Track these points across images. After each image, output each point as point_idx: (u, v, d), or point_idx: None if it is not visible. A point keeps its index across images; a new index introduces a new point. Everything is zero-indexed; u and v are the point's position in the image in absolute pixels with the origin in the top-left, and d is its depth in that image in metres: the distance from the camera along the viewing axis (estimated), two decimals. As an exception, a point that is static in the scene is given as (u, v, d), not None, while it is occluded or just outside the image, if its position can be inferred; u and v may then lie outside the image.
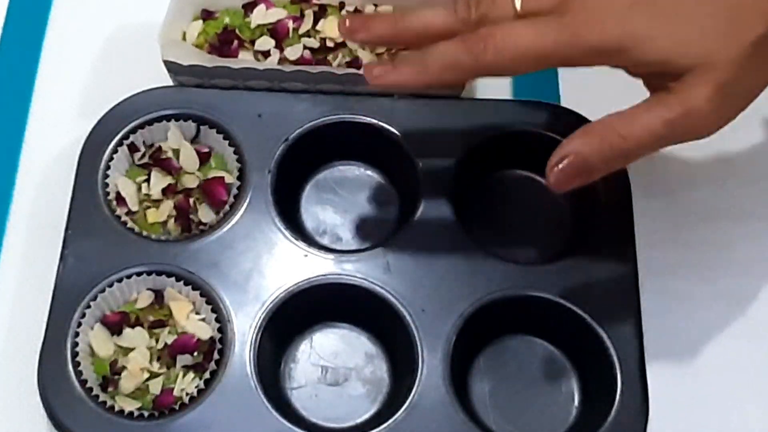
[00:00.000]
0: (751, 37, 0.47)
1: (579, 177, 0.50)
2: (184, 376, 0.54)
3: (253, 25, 0.63)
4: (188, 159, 0.59)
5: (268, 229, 0.58)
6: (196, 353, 0.55)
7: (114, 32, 0.68)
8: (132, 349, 0.55)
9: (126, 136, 0.60)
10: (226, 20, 0.63)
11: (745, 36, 0.47)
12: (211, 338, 0.55)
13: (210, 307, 0.56)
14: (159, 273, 0.56)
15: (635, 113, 0.49)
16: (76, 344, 0.54)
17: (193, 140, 0.61)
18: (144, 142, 0.60)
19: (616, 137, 0.48)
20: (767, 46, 0.48)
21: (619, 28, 0.48)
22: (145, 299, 0.56)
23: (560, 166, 0.49)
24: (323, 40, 0.63)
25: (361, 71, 0.60)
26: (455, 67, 0.50)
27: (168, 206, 0.58)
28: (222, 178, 0.59)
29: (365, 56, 0.62)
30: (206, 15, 0.63)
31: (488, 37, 0.49)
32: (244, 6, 0.63)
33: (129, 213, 0.59)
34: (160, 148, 0.60)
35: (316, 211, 0.62)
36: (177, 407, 0.53)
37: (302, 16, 0.63)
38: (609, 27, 0.48)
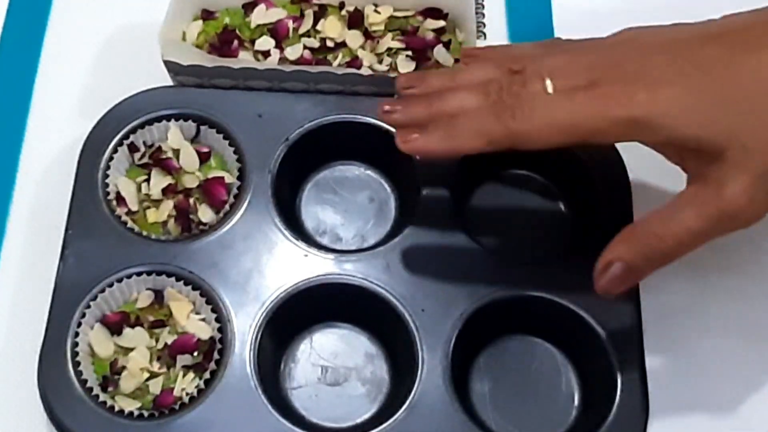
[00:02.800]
0: None
1: (626, 281, 0.50)
2: (184, 376, 0.54)
3: (253, 25, 0.63)
4: (188, 159, 0.59)
5: (268, 229, 0.58)
6: (196, 353, 0.55)
7: (114, 32, 0.68)
8: (132, 349, 0.55)
9: (126, 136, 0.60)
10: (226, 20, 0.63)
11: None
12: (211, 338, 0.55)
13: (210, 307, 0.56)
14: (159, 273, 0.56)
15: (672, 211, 0.48)
16: (76, 344, 0.54)
17: (193, 140, 0.61)
18: (144, 142, 0.60)
19: (654, 239, 0.48)
20: None
21: (650, 102, 0.47)
22: (145, 299, 0.56)
23: (607, 274, 0.49)
24: (323, 40, 0.63)
25: (361, 71, 0.60)
26: (485, 136, 0.49)
27: (168, 206, 0.58)
28: (222, 178, 0.59)
29: (365, 56, 0.62)
30: (206, 15, 0.63)
31: (516, 106, 0.48)
32: (244, 6, 0.63)
33: (129, 213, 0.59)
34: (160, 148, 0.60)
35: (316, 211, 0.62)
36: (177, 407, 0.53)
37: (302, 16, 0.63)
38: (639, 99, 0.47)
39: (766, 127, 0.46)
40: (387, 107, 0.53)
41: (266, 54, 0.62)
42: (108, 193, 0.58)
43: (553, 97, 0.48)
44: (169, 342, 0.55)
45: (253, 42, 0.62)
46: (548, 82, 0.48)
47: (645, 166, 0.62)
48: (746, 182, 0.46)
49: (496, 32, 0.68)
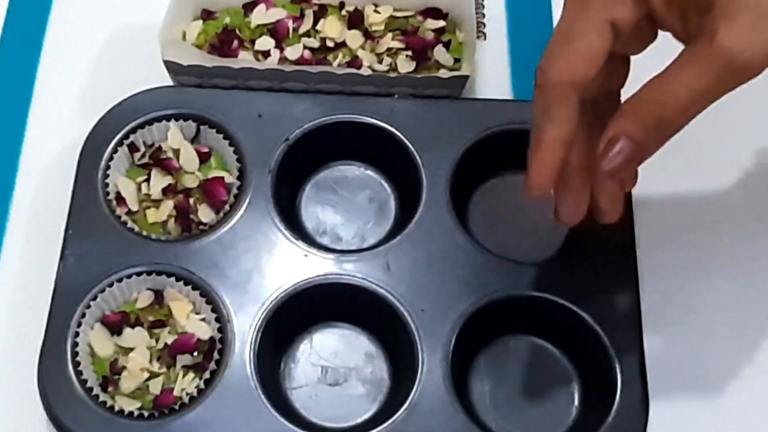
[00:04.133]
0: None
1: (633, 159, 0.46)
2: (184, 376, 0.54)
3: (253, 25, 0.63)
4: (188, 159, 0.59)
5: (268, 229, 0.58)
6: (196, 353, 0.55)
7: (114, 32, 0.68)
8: (132, 349, 0.55)
9: (126, 136, 0.60)
10: (226, 20, 0.63)
11: None
12: (211, 338, 0.55)
13: (210, 307, 0.56)
14: (159, 273, 0.56)
15: (670, 74, 0.44)
16: (76, 344, 0.54)
17: (193, 140, 0.61)
18: (144, 142, 0.60)
19: (655, 106, 0.45)
20: None
21: None
22: (145, 299, 0.56)
23: (611, 153, 0.46)
24: (323, 40, 0.63)
25: (361, 71, 0.60)
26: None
27: (168, 206, 0.58)
28: (222, 178, 0.59)
29: (365, 56, 0.62)
30: (206, 15, 0.63)
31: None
32: (244, 6, 0.63)
33: (129, 213, 0.59)
34: (160, 148, 0.60)
35: (316, 211, 0.62)
36: (177, 407, 0.53)
37: (302, 16, 0.63)
38: None
39: None
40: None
41: (266, 54, 0.62)
42: (108, 193, 0.58)
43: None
44: (169, 342, 0.55)
45: (253, 42, 0.62)
46: None
47: (645, 166, 0.62)
48: (742, 24, 0.42)
49: (496, 32, 0.68)
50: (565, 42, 0.48)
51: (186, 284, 0.56)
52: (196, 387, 0.54)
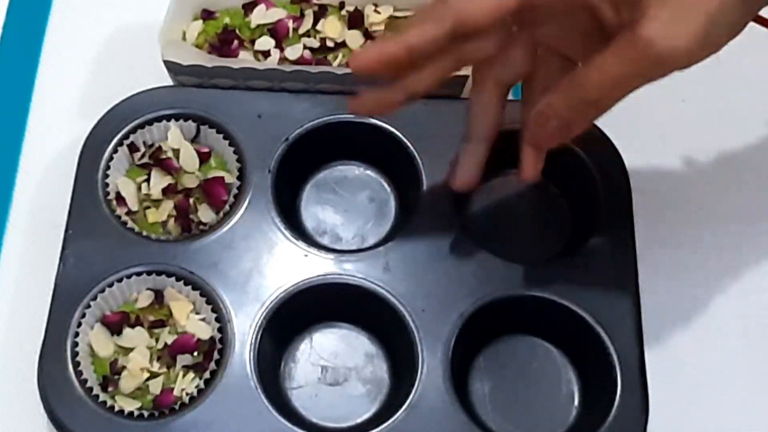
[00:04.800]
0: None
1: (559, 133, 0.50)
2: (184, 376, 0.54)
3: (253, 25, 0.63)
4: (188, 159, 0.59)
5: (268, 229, 0.58)
6: (196, 353, 0.55)
7: (114, 32, 0.68)
8: (132, 349, 0.55)
9: (126, 136, 0.60)
10: (226, 20, 0.63)
11: None
12: (211, 338, 0.55)
13: (210, 307, 0.56)
14: (159, 273, 0.56)
15: (595, 60, 0.46)
16: (76, 344, 0.54)
17: (193, 140, 0.61)
18: (144, 142, 0.60)
19: (579, 89, 0.47)
20: None
21: None
22: (145, 299, 0.56)
23: (538, 125, 0.50)
24: (323, 40, 0.63)
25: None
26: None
27: (168, 206, 0.58)
28: (222, 178, 0.59)
29: (365, 56, 0.62)
30: (206, 15, 0.63)
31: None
32: (244, 6, 0.63)
33: (129, 213, 0.59)
34: (160, 148, 0.60)
35: (316, 211, 0.62)
36: (177, 407, 0.53)
37: (302, 16, 0.63)
38: None
39: None
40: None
41: (266, 54, 0.62)
42: (108, 193, 0.58)
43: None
44: (169, 342, 0.55)
45: (253, 42, 0.62)
46: None
47: (645, 166, 0.62)
48: (664, 16, 0.44)
49: (496, 32, 0.68)
50: None
51: (186, 284, 0.56)
52: (196, 387, 0.54)
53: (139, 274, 0.56)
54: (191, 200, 0.59)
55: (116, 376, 0.54)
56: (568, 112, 0.49)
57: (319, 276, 0.56)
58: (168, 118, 0.60)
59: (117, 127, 0.60)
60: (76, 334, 0.54)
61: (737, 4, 0.45)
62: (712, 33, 0.45)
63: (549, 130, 0.50)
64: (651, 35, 0.44)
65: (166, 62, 0.61)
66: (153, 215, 0.58)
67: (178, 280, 0.56)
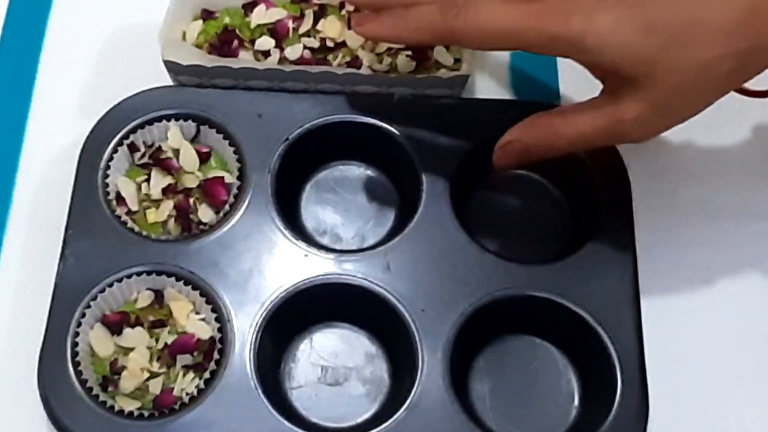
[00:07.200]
0: (696, 62, 0.49)
1: (519, 159, 0.57)
2: (184, 376, 0.54)
3: (253, 25, 0.63)
4: (188, 159, 0.59)
5: (268, 229, 0.58)
6: (196, 353, 0.55)
7: (114, 32, 0.68)
8: (132, 349, 0.55)
9: (126, 136, 0.60)
10: (226, 20, 0.63)
11: (691, 59, 0.49)
12: (211, 338, 0.55)
13: (210, 307, 0.56)
14: (159, 273, 0.56)
15: (574, 114, 0.54)
16: (76, 344, 0.54)
17: (193, 140, 0.61)
18: (144, 142, 0.60)
19: (551, 134, 0.55)
20: (710, 72, 0.49)
21: (583, 24, 0.50)
22: (145, 299, 0.56)
23: (504, 150, 0.57)
24: (323, 40, 0.63)
25: (361, 71, 0.60)
26: (429, 29, 0.53)
27: (168, 206, 0.59)
28: (222, 178, 0.59)
29: (365, 56, 0.62)
30: (206, 15, 0.63)
31: (463, 5, 0.52)
32: (244, 6, 0.63)
33: (129, 213, 0.59)
34: (160, 147, 0.60)
35: (316, 211, 0.62)
36: (177, 407, 0.53)
37: (302, 16, 0.63)
38: (574, 21, 0.50)
39: (677, 63, 0.49)
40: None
41: (266, 54, 0.62)
42: (108, 193, 0.58)
43: (498, 2, 0.52)
44: (169, 342, 0.55)
45: (253, 42, 0.62)
46: None
47: (645, 166, 0.62)
48: (642, 108, 0.51)
49: (496, 32, 0.68)
50: None
51: (186, 284, 0.56)
52: (196, 387, 0.54)
53: (139, 274, 0.56)
54: (191, 200, 0.59)
55: (116, 376, 0.54)
56: (534, 147, 0.56)
57: (319, 276, 0.56)
58: (168, 118, 0.60)
59: (117, 127, 0.60)
60: (76, 334, 0.54)
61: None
62: (679, 122, 0.53)
63: (512, 155, 0.57)
64: (629, 121, 0.51)
65: (166, 62, 0.61)
66: (153, 215, 0.58)
67: (178, 280, 0.56)
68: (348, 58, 0.62)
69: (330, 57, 0.62)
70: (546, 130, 0.55)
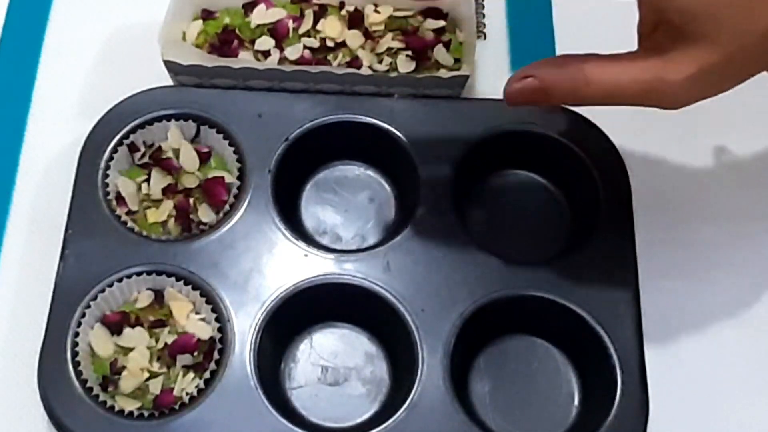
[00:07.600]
0: (760, 30, 0.46)
1: (533, 100, 0.50)
2: (184, 375, 0.54)
3: (253, 25, 0.63)
4: (188, 159, 0.59)
5: (268, 229, 0.58)
6: (196, 353, 0.55)
7: (114, 32, 0.68)
8: (132, 349, 0.55)
9: (126, 136, 0.60)
10: (226, 20, 0.63)
11: (755, 27, 0.46)
12: (211, 338, 0.55)
13: (210, 307, 0.56)
14: (159, 273, 0.56)
15: (612, 63, 0.48)
16: (76, 344, 0.54)
17: (193, 140, 0.61)
18: (144, 142, 0.60)
19: (581, 80, 0.48)
20: (765, 43, 0.47)
21: None
22: (145, 299, 0.56)
23: (520, 84, 0.50)
24: (323, 40, 0.63)
25: (361, 71, 0.60)
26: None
27: (168, 206, 0.59)
28: (222, 178, 0.59)
29: (365, 56, 0.62)
30: (206, 15, 0.63)
31: None
32: (244, 6, 0.63)
33: (129, 213, 0.59)
34: (160, 147, 0.60)
35: (316, 211, 0.62)
36: (177, 407, 0.53)
37: (302, 15, 0.63)
38: None
39: (741, 35, 0.46)
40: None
41: (266, 54, 0.62)
42: (108, 193, 0.58)
43: None
44: (169, 342, 0.55)
45: (253, 42, 0.62)
46: None
47: (645, 166, 0.62)
48: (691, 70, 0.46)
49: (496, 32, 0.68)
50: None
51: (186, 284, 0.56)
52: (196, 387, 0.54)
53: (139, 274, 0.56)
54: (191, 200, 0.59)
55: (116, 376, 0.54)
56: (557, 90, 0.49)
57: (319, 276, 0.56)
58: (168, 118, 0.60)
59: (117, 127, 0.60)
60: (76, 334, 0.54)
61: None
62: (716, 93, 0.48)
63: (525, 93, 0.50)
64: (675, 83, 0.47)
65: (166, 62, 0.61)
66: (153, 215, 0.58)
67: (178, 280, 0.56)
68: (348, 58, 0.62)
69: (330, 57, 0.62)
70: (574, 74, 0.48)
